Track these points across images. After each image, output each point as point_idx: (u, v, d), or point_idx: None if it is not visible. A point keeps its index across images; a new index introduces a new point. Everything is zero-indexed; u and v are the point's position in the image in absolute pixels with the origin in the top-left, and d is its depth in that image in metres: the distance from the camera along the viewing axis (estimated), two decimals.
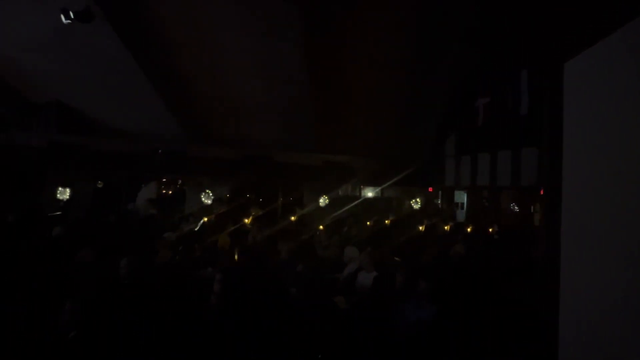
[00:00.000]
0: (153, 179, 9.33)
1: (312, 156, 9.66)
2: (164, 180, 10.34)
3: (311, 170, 9.90)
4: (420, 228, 7.95)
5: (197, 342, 3.15)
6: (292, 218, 8.25)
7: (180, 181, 10.41)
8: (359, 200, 10.74)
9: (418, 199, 11.11)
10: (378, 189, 11.37)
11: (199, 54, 6.80)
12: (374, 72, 7.22)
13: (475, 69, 7.74)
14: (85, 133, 8.59)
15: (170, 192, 10.70)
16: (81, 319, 2.84)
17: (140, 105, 7.98)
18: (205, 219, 7.48)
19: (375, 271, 4.54)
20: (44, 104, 8.34)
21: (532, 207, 10.10)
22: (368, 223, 8.02)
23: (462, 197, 12.03)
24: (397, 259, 5.28)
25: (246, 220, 7.63)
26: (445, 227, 8.26)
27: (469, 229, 8.15)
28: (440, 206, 11.73)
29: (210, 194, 9.85)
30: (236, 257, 3.93)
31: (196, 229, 7.11)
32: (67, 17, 5.44)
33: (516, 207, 10.94)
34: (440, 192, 11.86)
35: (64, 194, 9.08)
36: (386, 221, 8.34)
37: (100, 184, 9.77)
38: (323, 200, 10.24)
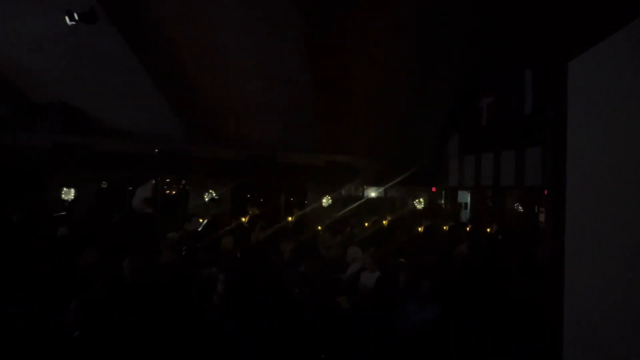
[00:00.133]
0: (149, 179, 9.39)
1: (314, 156, 9.66)
2: (167, 180, 10.37)
3: (313, 170, 9.90)
4: (420, 229, 7.92)
5: (200, 342, 3.16)
6: (293, 218, 8.26)
7: (184, 181, 10.44)
8: (362, 201, 10.72)
9: (421, 199, 11.08)
10: (381, 189, 11.35)
11: (202, 54, 6.83)
12: (376, 71, 7.22)
13: (479, 69, 7.71)
14: (89, 134, 8.66)
15: (173, 192, 10.74)
16: (85, 318, 2.86)
17: (143, 105, 8.02)
18: (201, 220, 7.54)
19: (379, 271, 4.54)
20: (48, 105, 8.40)
21: (536, 207, 10.05)
22: (367, 224, 7.99)
23: (465, 197, 11.99)
24: (402, 260, 5.27)
25: (243, 219, 7.65)
26: (445, 227, 8.21)
27: (468, 229, 8.11)
28: (443, 206, 11.69)
29: (214, 194, 9.88)
30: (239, 256, 3.93)
31: (199, 229, 7.12)
32: (72, 18, 5.48)
33: (520, 207, 10.89)
34: (443, 192, 11.82)
35: (68, 194, 9.14)
36: (384, 221, 8.32)
37: (104, 184, 9.82)
38: (326, 201, 10.23)
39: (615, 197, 1.75)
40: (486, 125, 8.19)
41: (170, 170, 9.46)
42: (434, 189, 11.46)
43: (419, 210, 10.80)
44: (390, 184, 10.40)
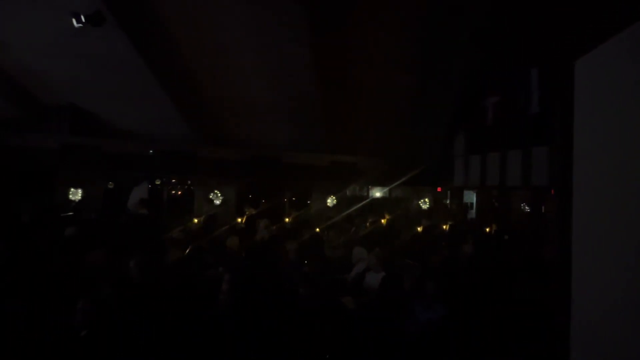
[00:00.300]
0: (145, 180, 9.48)
1: (319, 156, 9.67)
2: (172, 181, 10.45)
3: (319, 170, 9.91)
4: (419, 229, 7.89)
5: (205, 341, 3.17)
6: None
7: (189, 182, 10.52)
8: (367, 201, 10.71)
9: (426, 199, 11.03)
10: (386, 189, 11.32)
11: (207, 55, 6.87)
12: (381, 71, 7.21)
13: (485, 68, 7.66)
14: (96, 135, 8.76)
15: (179, 192, 10.82)
16: (93, 318, 2.89)
17: (149, 106, 8.09)
18: (195, 220, 7.66)
19: (384, 271, 4.53)
20: (57, 107, 8.51)
21: (542, 207, 9.96)
22: (367, 224, 7.97)
23: (471, 197, 11.92)
24: (409, 261, 5.25)
25: (239, 220, 7.72)
26: (445, 227, 8.15)
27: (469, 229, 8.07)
28: (449, 206, 11.63)
29: (219, 195, 9.93)
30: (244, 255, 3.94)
31: (204, 229, 7.19)
32: (79, 20, 5.53)
33: (527, 208, 10.79)
34: (449, 192, 11.76)
35: (75, 194, 9.25)
36: (382, 220, 8.29)
37: (111, 185, 9.91)
38: (330, 201, 10.24)
39: (623, 196, 1.73)
40: (492, 125, 8.13)
41: (176, 170, 9.54)
42: (439, 189, 11.41)
43: (424, 210, 10.76)
44: (395, 184, 10.37)
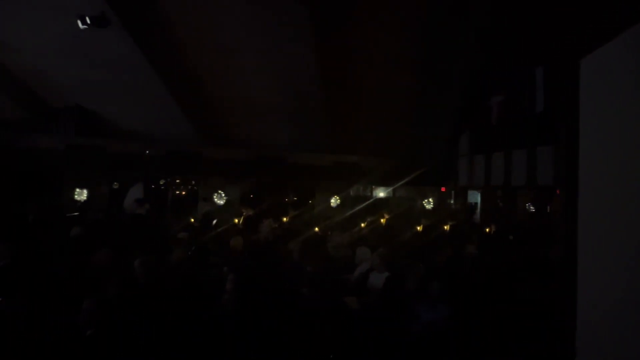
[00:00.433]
0: (141, 180, 9.53)
1: (323, 157, 9.68)
2: (177, 181, 10.50)
3: (322, 170, 9.91)
4: (418, 228, 7.86)
5: (209, 341, 3.19)
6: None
7: (193, 182, 10.57)
8: (371, 201, 10.69)
9: (430, 199, 10.99)
10: (390, 189, 11.29)
11: (212, 56, 6.90)
12: (385, 71, 7.20)
13: (489, 67, 7.61)
14: (101, 135, 8.83)
15: (183, 192, 10.87)
16: (98, 318, 2.91)
17: (154, 107, 8.14)
18: (192, 220, 7.70)
19: (387, 272, 4.52)
20: (63, 108, 8.59)
21: (548, 207, 9.89)
22: (363, 225, 7.94)
23: (475, 197, 11.85)
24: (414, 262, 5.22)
25: (236, 220, 7.73)
26: (445, 227, 8.12)
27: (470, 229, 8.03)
28: (453, 206, 11.57)
29: (223, 195, 9.96)
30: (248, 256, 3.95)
31: (207, 228, 7.22)
32: (84, 22, 5.58)
33: (532, 207, 10.72)
34: (453, 192, 11.70)
35: (81, 195, 9.32)
36: (381, 220, 8.26)
37: (116, 185, 9.98)
38: (334, 201, 10.23)
39: (629, 196, 1.72)
40: (496, 124, 8.09)
41: (180, 171, 9.60)
42: (443, 189, 11.36)
43: (425, 210, 10.72)
44: (399, 183, 10.34)
